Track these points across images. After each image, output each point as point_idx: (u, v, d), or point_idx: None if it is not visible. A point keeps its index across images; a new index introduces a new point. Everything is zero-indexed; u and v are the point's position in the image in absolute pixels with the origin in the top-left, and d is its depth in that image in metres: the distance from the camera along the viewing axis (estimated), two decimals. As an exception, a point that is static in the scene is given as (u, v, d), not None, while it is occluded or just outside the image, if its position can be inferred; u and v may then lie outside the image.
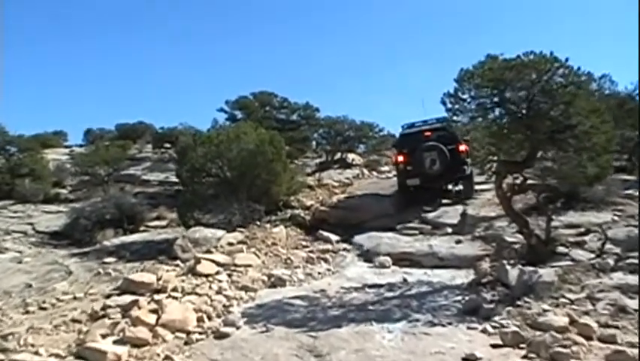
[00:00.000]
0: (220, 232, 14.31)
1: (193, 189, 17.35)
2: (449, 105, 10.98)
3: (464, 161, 16.74)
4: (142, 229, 22.59)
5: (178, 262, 13.00)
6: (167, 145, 36.63)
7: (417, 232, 15.00)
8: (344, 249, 14.62)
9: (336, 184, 23.69)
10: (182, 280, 10.98)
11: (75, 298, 11.00)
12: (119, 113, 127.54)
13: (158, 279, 10.72)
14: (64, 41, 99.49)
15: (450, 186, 18.30)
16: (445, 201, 17.53)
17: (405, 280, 11.25)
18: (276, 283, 11.03)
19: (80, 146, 44.57)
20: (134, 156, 38.87)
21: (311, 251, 14.21)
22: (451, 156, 16.53)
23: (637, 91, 21.61)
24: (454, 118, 11.22)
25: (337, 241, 15.32)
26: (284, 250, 13.85)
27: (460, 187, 17.78)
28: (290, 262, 12.78)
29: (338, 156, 32.85)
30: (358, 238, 15.09)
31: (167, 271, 11.89)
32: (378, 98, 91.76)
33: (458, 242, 13.39)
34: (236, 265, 11.93)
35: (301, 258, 13.33)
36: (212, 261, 11.92)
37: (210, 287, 10.55)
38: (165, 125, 40.08)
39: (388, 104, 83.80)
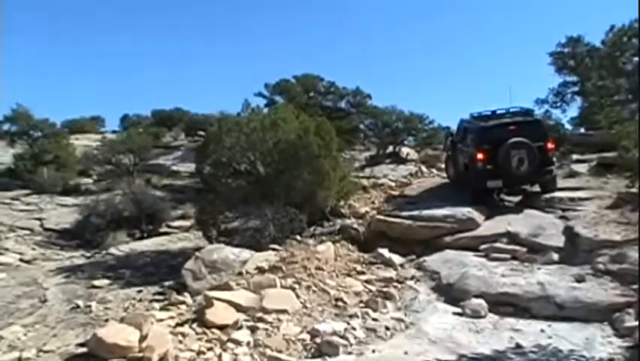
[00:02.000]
0: (246, 253, 10.64)
1: (216, 190, 13.63)
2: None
3: (551, 161, 15.11)
4: (162, 230, 19.67)
5: (186, 295, 9.39)
6: (202, 133, 33.26)
7: (508, 255, 11.45)
8: (413, 277, 11.09)
9: (393, 184, 19.78)
10: (180, 340, 7.27)
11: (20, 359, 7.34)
12: (159, 99, 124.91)
13: (143, 337, 6.94)
14: (107, 26, 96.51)
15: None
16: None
17: (517, 345, 7.53)
18: (324, 348, 7.24)
19: (114, 132, 42.29)
20: (169, 144, 36.91)
21: (369, 282, 10.54)
22: (539, 154, 14.44)
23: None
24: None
25: (402, 265, 11.90)
26: (333, 282, 10.07)
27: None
28: (342, 306, 8.96)
29: (390, 149, 29.05)
30: (430, 261, 11.75)
31: (162, 319, 8.12)
32: (429, 87, 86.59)
33: (579, 280, 9.48)
34: (264, 311, 8.18)
35: (357, 296, 9.60)
36: (230, 303, 8.25)
37: (221, 357, 6.80)
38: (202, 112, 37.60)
39: (438, 94, 79.04)
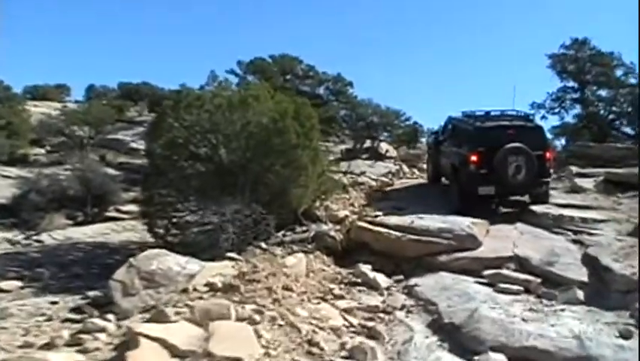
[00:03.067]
0: (195, 264, 8.23)
1: (168, 177, 11.22)
2: None
3: (549, 172, 14.19)
4: (110, 214, 17.38)
5: (110, 318, 7.00)
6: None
7: (521, 288, 9.24)
8: (403, 307, 8.83)
9: (374, 183, 17.58)
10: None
11: None
12: (131, 71, 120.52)
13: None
14: None
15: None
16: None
17: None
18: None
19: (77, 102, 40.37)
20: (133, 119, 35.72)
21: (349, 311, 8.25)
22: (537, 163, 13.56)
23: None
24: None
25: (389, 288, 9.75)
26: (304, 311, 7.69)
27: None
28: (318, 353, 6.57)
29: (368, 144, 27.07)
30: (424, 286, 9.63)
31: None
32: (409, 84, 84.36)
33: (626, 336, 7.26)
34: (210, 357, 5.80)
35: (336, 334, 7.24)
36: (163, 343, 5.82)
37: None
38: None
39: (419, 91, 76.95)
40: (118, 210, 17.81)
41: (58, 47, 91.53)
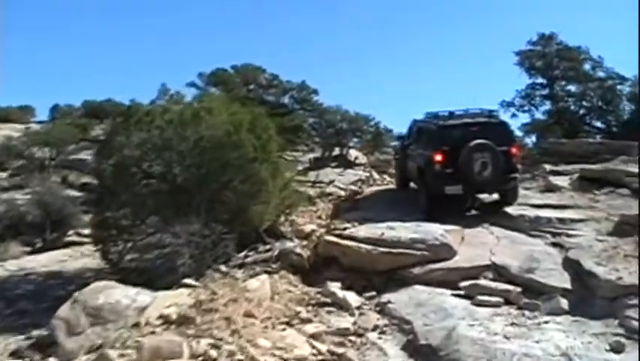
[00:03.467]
0: (146, 296, 7.53)
1: (120, 199, 10.50)
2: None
3: (516, 167, 13.68)
4: (70, 239, 16.62)
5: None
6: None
7: (501, 299, 8.63)
8: (376, 328, 8.15)
9: (343, 193, 16.94)
10: None
11: None
12: (97, 89, 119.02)
13: None
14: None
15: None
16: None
17: None
18: None
19: (41, 123, 39.54)
20: (98, 137, 33.91)
21: (317, 337, 7.53)
22: (504, 160, 13.21)
23: None
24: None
25: (360, 307, 8.97)
26: (267, 341, 6.97)
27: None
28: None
29: (337, 151, 26.47)
30: (397, 303, 8.90)
31: None
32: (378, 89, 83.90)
33: (616, 349, 6.68)
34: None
35: (303, 367, 6.61)
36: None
37: None
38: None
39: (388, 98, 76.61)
40: (78, 234, 16.99)
41: (22, 68, 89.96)
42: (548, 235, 11.41)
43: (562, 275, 9.22)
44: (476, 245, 10.96)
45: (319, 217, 13.49)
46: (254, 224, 10.76)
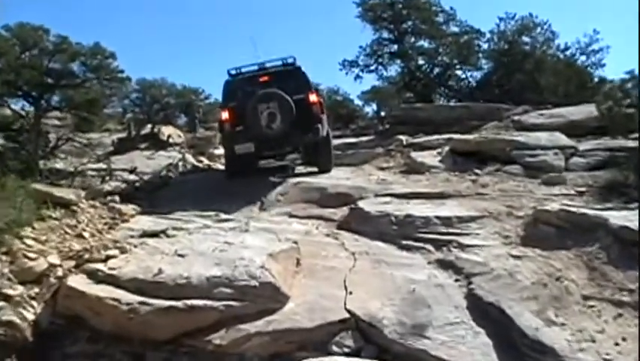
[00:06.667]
0: None
1: None
2: None
3: (317, 117, 12.30)
4: None
5: None
6: None
7: None
8: None
9: (130, 190, 12.18)
10: None
11: None
12: None
13: None
14: None
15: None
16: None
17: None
18: None
19: None
20: None
21: None
22: (299, 109, 11.86)
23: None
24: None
25: None
26: None
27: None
28: None
29: (148, 129, 21.69)
30: None
31: None
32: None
33: None
34: None
35: None
36: None
37: None
38: None
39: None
40: None
41: None
42: (430, 247, 7.36)
43: (474, 337, 5.16)
44: (320, 272, 6.74)
45: (80, 235, 8.45)
46: None
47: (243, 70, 13.24)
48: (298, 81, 12.46)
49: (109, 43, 17.53)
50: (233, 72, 13.27)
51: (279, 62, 13.16)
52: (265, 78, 12.62)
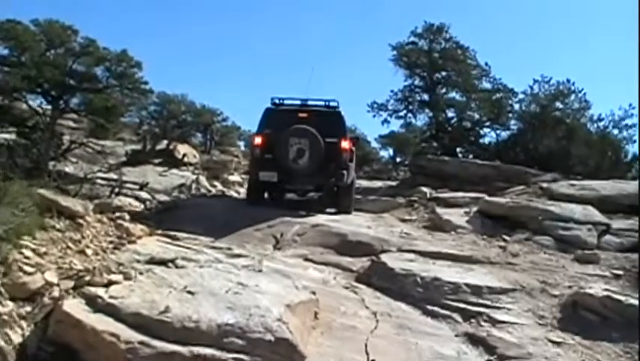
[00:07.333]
0: None
1: None
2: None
3: (345, 163, 12.65)
4: None
5: None
6: None
7: None
8: None
9: (139, 208, 11.53)
10: None
11: None
12: None
13: None
14: None
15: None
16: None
17: None
18: None
19: None
20: None
21: None
22: (329, 151, 12.28)
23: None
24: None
25: None
26: None
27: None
28: None
29: (163, 145, 21.26)
30: None
31: None
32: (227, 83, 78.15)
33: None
34: None
35: None
36: None
37: None
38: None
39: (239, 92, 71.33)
40: None
41: None
42: (458, 317, 6.76)
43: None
44: (339, 331, 6.11)
45: (82, 251, 7.88)
46: None
47: (286, 101, 13.48)
48: (335, 125, 12.71)
49: (137, 52, 17.00)
50: (276, 101, 13.46)
51: (322, 102, 13.38)
52: (304, 115, 12.85)
